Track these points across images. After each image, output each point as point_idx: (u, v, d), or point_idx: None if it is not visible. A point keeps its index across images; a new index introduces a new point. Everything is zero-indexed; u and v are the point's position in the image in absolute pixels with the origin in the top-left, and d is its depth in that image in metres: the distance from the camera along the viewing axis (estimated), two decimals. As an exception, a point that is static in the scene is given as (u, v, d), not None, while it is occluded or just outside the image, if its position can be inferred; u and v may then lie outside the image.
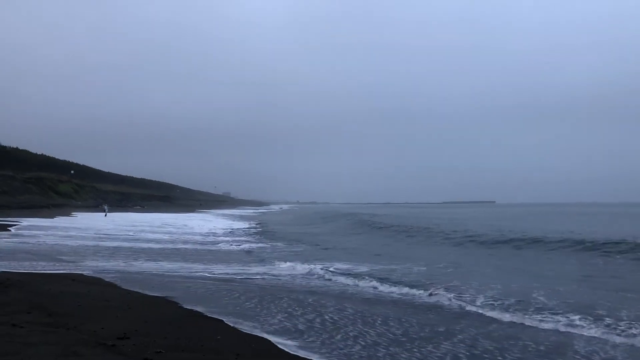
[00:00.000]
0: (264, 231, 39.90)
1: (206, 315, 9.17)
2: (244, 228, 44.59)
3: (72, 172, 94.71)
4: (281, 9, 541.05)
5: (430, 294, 12.07)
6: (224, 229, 41.81)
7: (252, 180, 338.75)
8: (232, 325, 8.56)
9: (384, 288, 13.09)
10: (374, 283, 13.72)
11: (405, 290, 12.73)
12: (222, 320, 8.83)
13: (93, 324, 7.68)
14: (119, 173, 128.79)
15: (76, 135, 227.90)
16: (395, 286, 13.17)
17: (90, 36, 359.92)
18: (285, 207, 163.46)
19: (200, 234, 34.46)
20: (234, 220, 61.88)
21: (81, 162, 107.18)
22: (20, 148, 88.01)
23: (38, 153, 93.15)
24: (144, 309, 9.28)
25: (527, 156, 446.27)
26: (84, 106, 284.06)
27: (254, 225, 49.24)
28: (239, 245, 26.44)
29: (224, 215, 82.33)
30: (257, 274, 15.49)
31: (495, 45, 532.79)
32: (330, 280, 14.64)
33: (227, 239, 30.91)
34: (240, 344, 7.43)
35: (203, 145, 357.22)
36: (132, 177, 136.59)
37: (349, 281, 14.27)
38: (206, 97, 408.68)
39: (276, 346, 7.49)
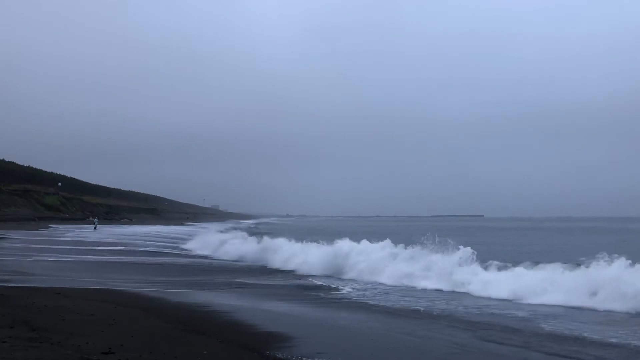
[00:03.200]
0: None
1: (194, 330, 9.07)
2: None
3: (60, 184, 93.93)
4: (287, 38, 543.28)
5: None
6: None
7: (243, 192, 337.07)
8: (219, 340, 8.47)
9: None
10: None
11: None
12: (210, 335, 8.74)
13: (77, 338, 7.54)
14: (107, 185, 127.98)
15: (63, 147, 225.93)
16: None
17: (81, 45, 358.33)
18: (265, 220, 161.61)
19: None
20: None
21: (68, 174, 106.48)
22: (7, 160, 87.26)
23: (25, 165, 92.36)
24: (130, 323, 9.15)
25: (518, 171, 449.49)
26: (71, 118, 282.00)
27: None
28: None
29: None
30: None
31: (489, 66, 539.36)
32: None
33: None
34: (228, 358, 7.35)
35: (193, 158, 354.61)
36: (120, 189, 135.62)
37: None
38: (196, 111, 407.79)
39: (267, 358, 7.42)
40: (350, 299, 14.11)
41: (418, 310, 12.04)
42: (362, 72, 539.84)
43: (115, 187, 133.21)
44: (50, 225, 58.74)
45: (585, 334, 9.44)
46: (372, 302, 13.33)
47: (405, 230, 55.19)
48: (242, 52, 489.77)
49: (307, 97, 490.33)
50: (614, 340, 9.00)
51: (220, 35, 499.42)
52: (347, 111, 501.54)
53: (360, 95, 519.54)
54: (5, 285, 13.01)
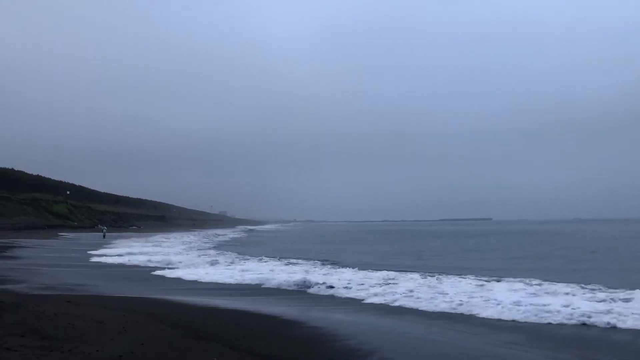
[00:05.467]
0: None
1: (203, 336, 9.08)
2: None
3: (68, 192, 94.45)
4: (295, 36, 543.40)
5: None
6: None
7: (252, 198, 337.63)
8: (228, 346, 8.47)
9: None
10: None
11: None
12: (219, 341, 8.74)
13: (88, 346, 7.57)
14: (115, 193, 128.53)
15: (72, 156, 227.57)
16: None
17: (88, 50, 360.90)
18: (268, 227, 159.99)
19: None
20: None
21: (77, 183, 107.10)
22: (16, 169, 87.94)
23: (34, 174, 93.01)
24: (139, 330, 9.17)
25: (527, 174, 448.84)
26: (79, 126, 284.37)
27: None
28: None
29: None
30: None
31: (501, 65, 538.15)
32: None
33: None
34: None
35: (202, 164, 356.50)
36: (128, 196, 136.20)
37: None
38: (203, 116, 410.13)
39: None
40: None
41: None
42: (368, 70, 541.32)
43: (124, 195, 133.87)
44: (59, 234, 58.97)
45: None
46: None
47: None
48: (247, 52, 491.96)
49: (315, 96, 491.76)
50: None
51: (225, 34, 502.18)
52: (354, 112, 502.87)
53: (366, 94, 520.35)
54: (16, 293, 13.08)
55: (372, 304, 14.08)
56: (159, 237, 58.52)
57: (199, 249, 39.51)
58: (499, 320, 11.69)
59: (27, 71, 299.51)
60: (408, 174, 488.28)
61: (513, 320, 11.54)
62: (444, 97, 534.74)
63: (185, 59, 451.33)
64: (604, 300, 13.13)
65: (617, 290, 14.36)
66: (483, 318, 11.95)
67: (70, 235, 58.91)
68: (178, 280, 19.52)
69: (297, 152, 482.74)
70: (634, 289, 14.11)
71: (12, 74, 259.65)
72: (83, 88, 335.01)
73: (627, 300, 13.12)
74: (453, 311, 12.75)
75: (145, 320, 10.35)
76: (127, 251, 34.36)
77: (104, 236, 56.90)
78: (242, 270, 22.09)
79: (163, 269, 23.32)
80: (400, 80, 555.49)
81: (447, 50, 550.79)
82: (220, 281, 19.09)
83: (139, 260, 27.46)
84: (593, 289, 15.04)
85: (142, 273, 21.78)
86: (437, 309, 13.01)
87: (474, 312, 12.44)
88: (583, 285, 15.68)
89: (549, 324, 11.19)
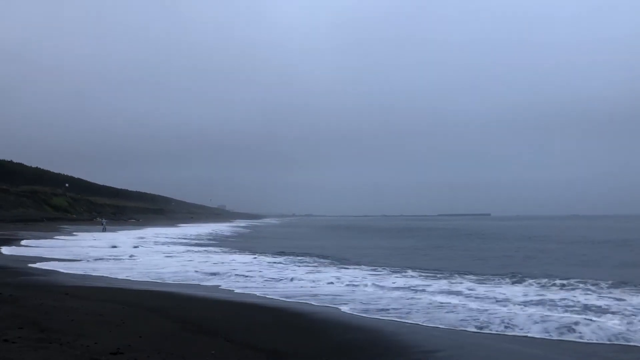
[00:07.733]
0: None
1: (202, 330, 9.08)
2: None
3: (67, 185, 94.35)
4: (298, 31, 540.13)
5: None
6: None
7: (251, 192, 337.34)
8: (227, 340, 8.48)
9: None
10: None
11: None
12: (218, 334, 8.75)
13: (86, 339, 7.57)
14: (114, 186, 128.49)
15: (71, 148, 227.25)
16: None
17: (87, 42, 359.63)
18: (267, 221, 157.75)
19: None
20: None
21: (76, 175, 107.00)
22: (15, 161, 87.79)
23: (32, 166, 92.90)
24: (139, 324, 9.18)
25: (527, 170, 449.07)
26: (78, 119, 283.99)
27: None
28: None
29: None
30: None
31: (504, 62, 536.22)
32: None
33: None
34: (236, 358, 7.37)
35: (201, 158, 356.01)
36: (127, 189, 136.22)
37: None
38: (203, 110, 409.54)
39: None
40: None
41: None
42: (370, 65, 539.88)
43: (123, 188, 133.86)
44: (59, 226, 58.94)
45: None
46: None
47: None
48: (245, 48, 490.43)
49: (315, 91, 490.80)
50: None
51: (227, 30, 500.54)
52: (353, 107, 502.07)
53: (368, 90, 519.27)
54: (14, 285, 13.08)
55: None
56: (129, 230, 58.31)
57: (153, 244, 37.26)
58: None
59: (27, 63, 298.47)
60: (407, 169, 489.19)
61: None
62: (446, 93, 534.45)
63: (187, 54, 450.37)
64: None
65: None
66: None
67: (70, 228, 58.88)
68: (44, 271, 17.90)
69: (297, 147, 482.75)
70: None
71: (12, 65, 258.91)
72: (83, 81, 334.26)
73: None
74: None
75: (145, 313, 10.36)
76: (59, 244, 32.94)
77: (103, 229, 56.70)
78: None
79: (60, 261, 21.45)
80: (400, 75, 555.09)
81: (454, 47, 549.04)
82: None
83: (51, 252, 25.36)
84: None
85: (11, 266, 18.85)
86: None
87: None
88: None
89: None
